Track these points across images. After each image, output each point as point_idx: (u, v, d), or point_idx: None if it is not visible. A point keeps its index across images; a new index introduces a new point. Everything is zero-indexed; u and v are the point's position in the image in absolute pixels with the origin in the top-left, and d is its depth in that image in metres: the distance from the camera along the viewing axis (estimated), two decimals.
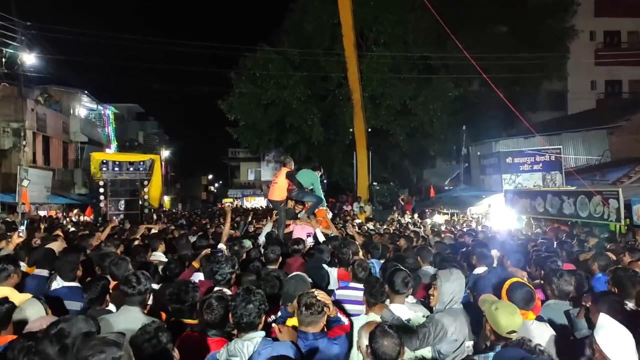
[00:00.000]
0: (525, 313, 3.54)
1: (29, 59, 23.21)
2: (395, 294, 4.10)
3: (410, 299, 4.34)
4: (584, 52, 32.11)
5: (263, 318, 3.35)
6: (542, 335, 3.47)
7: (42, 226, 11.27)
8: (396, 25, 26.65)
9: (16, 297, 4.14)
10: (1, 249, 6.66)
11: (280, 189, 8.56)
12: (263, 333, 3.27)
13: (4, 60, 21.93)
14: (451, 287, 3.80)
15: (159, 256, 6.85)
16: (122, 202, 19.66)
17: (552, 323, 3.84)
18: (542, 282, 4.69)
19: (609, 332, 2.65)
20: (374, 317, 3.91)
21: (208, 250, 5.82)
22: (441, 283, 3.83)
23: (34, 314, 3.42)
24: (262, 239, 7.86)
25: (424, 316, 3.99)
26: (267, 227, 8.49)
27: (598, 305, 3.63)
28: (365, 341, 3.13)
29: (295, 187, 8.87)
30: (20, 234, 5.69)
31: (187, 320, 3.73)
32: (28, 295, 4.38)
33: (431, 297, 3.95)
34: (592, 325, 3.88)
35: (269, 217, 8.99)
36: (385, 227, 15.10)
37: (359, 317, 4.05)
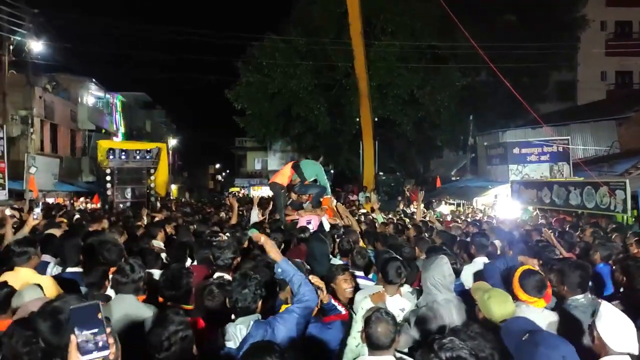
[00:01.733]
0: (537, 300, 3.53)
1: (37, 46, 23.25)
2: (389, 284, 4.08)
3: (407, 287, 4.31)
4: (595, 42, 31.73)
5: (259, 303, 3.37)
6: (552, 324, 3.43)
7: (54, 214, 11.36)
8: (404, 14, 26.46)
9: (37, 279, 4.18)
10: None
11: (282, 175, 8.62)
12: (257, 316, 3.30)
13: (11, 47, 21.97)
14: (430, 274, 3.75)
15: (157, 244, 6.86)
16: (129, 190, 19.73)
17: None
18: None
19: (610, 320, 2.63)
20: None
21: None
22: (422, 272, 3.82)
23: (33, 296, 3.42)
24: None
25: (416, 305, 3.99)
26: (253, 214, 8.53)
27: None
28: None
29: (297, 181, 8.92)
30: (35, 217, 5.68)
31: (182, 306, 3.73)
32: (46, 277, 4.42)
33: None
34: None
35: (255, 205, 9.00)
36: (390, 216, 15.07)
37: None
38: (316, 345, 3.42)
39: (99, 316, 1.74)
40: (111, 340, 1.75)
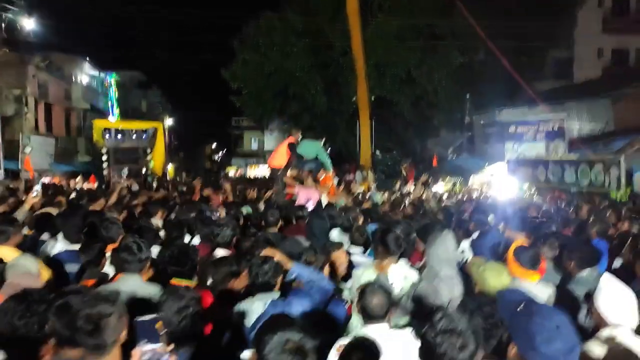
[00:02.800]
0: (532, 273, 3.58)
1: (29, 24, 22.96)
2: (389, 254, 4.14)
3: (403, 262, 4.36)
4: (592, 20, 31.48)
5: (279, 279, 3.38)
6: (545, 296, 3.49)
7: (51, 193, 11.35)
8: None
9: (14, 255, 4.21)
10: (4, 212, 6.71)
11: (280, 156, 8.63)
12: (277, 294, 3.29)
13: (3, 25, 21.71)
14: (434, 250, 3.79)
15: (155, 222, 6.90)
16: (125, 169, 19.75)
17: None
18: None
19: (609, 292, 2.67)
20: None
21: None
22: (426, 248, 3.87)
23: (29, 265, 3.45)
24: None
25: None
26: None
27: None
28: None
29: (293, 158, 8.94)
30: (35, 195, 5.71)
31: (185, 282, 3.77)
32: (28, 255, 4.45)
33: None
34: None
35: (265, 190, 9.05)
36: (386, 195, 15.14)
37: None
38: (327, 319, 3.44)
39: (162, 331, 1.80)
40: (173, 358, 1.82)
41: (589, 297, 2.91)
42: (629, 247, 4.33)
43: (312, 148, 9.26)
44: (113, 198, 8.51)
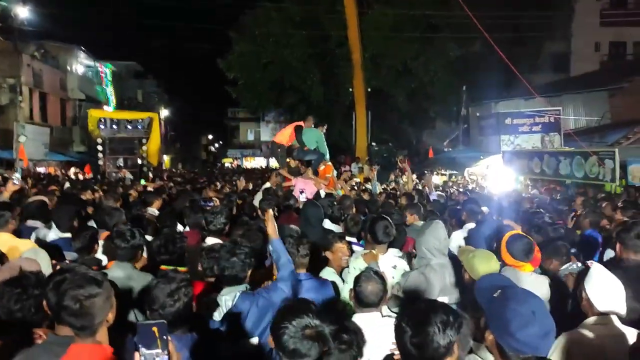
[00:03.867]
0: (525, 265, 3.55)
1: (23, 12, 22.78)
2: (378, 243, 4.14)
3: (395, 251, 4.38)
4: (589, 12, 31.44)
5: (249, 272, 3.34)
6: (540, 287, 3.47)
7: (30, 181, 11.31)
8: None
9: (16, 242, 4.22)
10: None
11: (284, 134, 8.69)
12: (244, 287, 3.26)
13: None
14: (425, 238, 3.80)
15: (152, 211, 6.91)
16: (121, 160, 19.68)
17: None
18: None
19: (598, 280, 2.69)
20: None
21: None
22: (417, 236, 3.88)
23: (44, 261, 3.44)
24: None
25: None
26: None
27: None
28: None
29: (296, 146, 8.96)
30: (15, 182, 5.69)
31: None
32: (28, 240, 4.46)
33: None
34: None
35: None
36: (383, 186, 15.18)
37: (325, 270, 4.12)
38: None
39: (164, 336, 1.80)
40: None
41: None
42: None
43: (313, 136, 9.29)
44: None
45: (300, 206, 6.41)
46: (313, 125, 9.63)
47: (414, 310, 1.97)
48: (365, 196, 8.97)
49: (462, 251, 3.47)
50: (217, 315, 3.11)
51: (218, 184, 12.90)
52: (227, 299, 3.13)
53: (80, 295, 2.04)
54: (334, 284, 3.86)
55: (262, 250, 4.10)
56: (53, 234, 4.98)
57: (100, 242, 4.38)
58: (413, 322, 1.92)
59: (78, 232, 4.23)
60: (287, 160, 9.25)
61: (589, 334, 2.59)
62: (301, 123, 9.11)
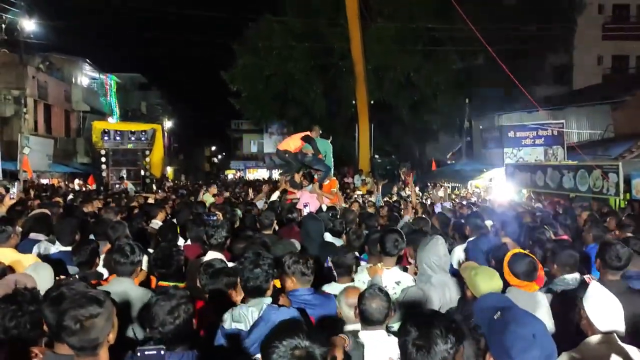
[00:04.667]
0: (529, 285, 3.46)
1: (29, 25, 22.98)
2: (386, 255, 4.12)
3: (397, 267, 4.35)
4: (592, 26, 31.56)
5: (271, 283, 3.30)
6: (546, 307, 3.41)
7: (33, 193, 11.32)
8: None
9: (19, 257, 4.22)
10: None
11: (289, 142, 8.72)
12: (269, 299, 3.23)
13: (3, 26, 21.74)
14: (426, 255, 3.78)
15: (156, 224, 6.91)
16: (124, 171, 19.74)
17: None
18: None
19: (597, 299, 2.67)
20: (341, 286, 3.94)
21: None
22: (418, 252, 3.85)
23: (46, 276, 3.44)
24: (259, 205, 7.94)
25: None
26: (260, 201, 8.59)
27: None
28: (345, 308, 3.19)
29: (309, 153, 8.98)
30: (12, 197, 5.69)
31: (172, 284, 3.74)
32: (31, 255, 4.45)
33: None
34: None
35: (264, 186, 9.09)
36: (386, 199, 15.14)
37: (330, 284, 4.04)
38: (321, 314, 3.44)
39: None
40: None
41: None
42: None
43: (323, 146, 9.36)
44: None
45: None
46: (319, 136, 9.71)
47: (419, 314, 1.95)
48: (371, 209, 8.94)
49: (464, 268, 3.43)
50: (243, 326, 3.07)
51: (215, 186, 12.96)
52: (254, 310, 3.10)
53: (80, 315, 2.02)
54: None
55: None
56: (55, 248, 4.98)
57: (102, 256, 4.38)
58: (418, 323, 1.91)
59: (79, 246, 4.21)
60: (291, 172, 9.24)
61: (590, 353, 2.56)
62: (308, 133, 9.15)
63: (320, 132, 9.62)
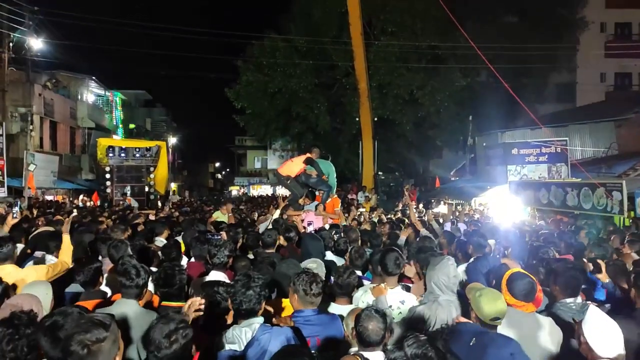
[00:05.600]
0: (526, 305, 3.41)
1: (37, 43, 23.27)
2: (388, 275, 4.12)
3: (401, 286, 4.35)
4: (594, 44, 31.76)
5: (263, 304, 3.33)
6: (542, 329, 3.37)
7: (36, 211, 11.36)
8: (405, 13, 26.45)
9: (21, 274, 4.24)
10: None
11: (291, 166, 8.74)
12: (261, 319, 3.25)
13: (11, 44, 21.99)
14: (435, 274, 3.78)
15: (160, 242, 6.92)
16: (128, 188, 19.80)
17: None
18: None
19: (596, 325, 2.67)
20: (340, 307, 3.93)
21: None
22: (426, 271, 3.85)
23: (41, 293, 3.45)
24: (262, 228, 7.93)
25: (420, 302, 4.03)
26: (268, 220, 8.57)
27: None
28: (351, 330, 3.19)
29: (313, 174, 9.00)
30: (15, 216, 5.74)
31: (175, 304, 3.76)
32: (32, 272, 4.47)
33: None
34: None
35: (271, 207, 9.10)
36: (389, 216, 15.11)
37: (331, 305, 4.04)
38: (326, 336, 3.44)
39: None
40: None
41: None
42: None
43: (325, 167, 9.39)
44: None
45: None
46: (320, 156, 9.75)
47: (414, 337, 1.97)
48: (366, 226, 8.91)
49: (470, 289, 3.42)
50: (237, 347, 3.08)
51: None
52: (247, 330, 3.12)
53: (87, 340, 2.03)
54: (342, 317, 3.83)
55: (270, 284, 4.11)
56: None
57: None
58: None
59: (82, 266, 4.23)
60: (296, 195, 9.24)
61: None
62: (309, 155, 9.15)
63: (322, 152, 9.69)
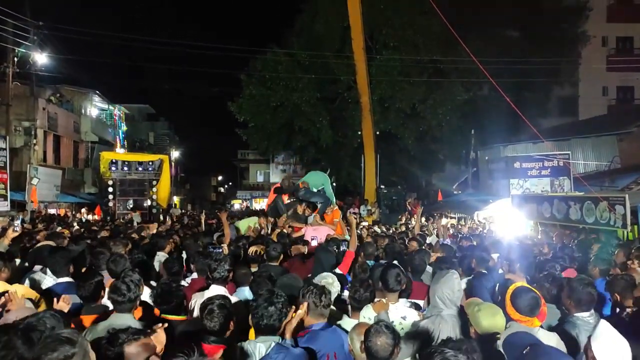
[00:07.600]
0: (531, 320, 3.37)
1: (41, 58, 23.42)
2: (389, 291, 4.10)
3: (404, 301, 4.33)
4: (596, 58, 31.85)
5: (283, 323, 3.27)
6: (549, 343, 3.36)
7: (39, 225, 11.36)
8: (406, 28, 26.57)
9: (8, 288, 4.20)
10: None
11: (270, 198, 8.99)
12: (278, 338, 3.20)
13: (16, 59, 22.14)
14: (439, 288, 3.76)
15: (162, 256, 6.88)
16: (131, 201, 19.84)
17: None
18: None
19: (606, 340, 2.62)
20: (358, 320, 3.90)
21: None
22: (431, 285, 3.83)
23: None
24: None
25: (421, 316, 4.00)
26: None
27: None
28: (357, 343, 3.16)
29: (302, 186, 9.03)
30: (16, 229, 5.73)
31: (174, 317, 3.76)
32: (21, 286, 4.44)
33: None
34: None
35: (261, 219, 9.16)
36: (391, 230, 15.06)
37: (344, 320, 4.02)
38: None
39: None
40: None
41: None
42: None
43: (319, 179, 9.38)
44: None
45: (307, 252, 6.42)
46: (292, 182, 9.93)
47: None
48: (367, 238, 8.89)
49: (468, 304, 3.40)
50: None
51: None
52: (262, 346, 3.09)
53: (55, 359, 2.00)
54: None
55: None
56: (50, 278, 4.96)
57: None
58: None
59: (84, 280, 4.22)
60: (293, 205, 9.26)
61: None
62: (277, 185, 9.52)
63: (290, 180, 9.89)
